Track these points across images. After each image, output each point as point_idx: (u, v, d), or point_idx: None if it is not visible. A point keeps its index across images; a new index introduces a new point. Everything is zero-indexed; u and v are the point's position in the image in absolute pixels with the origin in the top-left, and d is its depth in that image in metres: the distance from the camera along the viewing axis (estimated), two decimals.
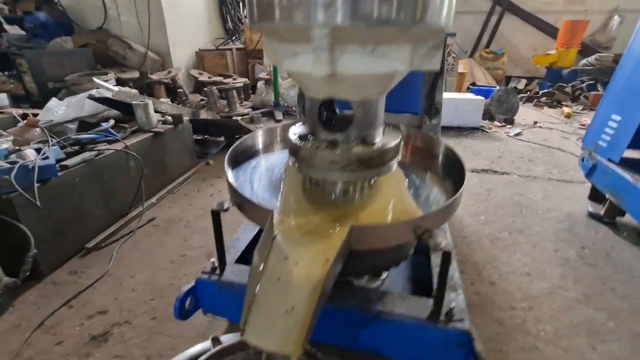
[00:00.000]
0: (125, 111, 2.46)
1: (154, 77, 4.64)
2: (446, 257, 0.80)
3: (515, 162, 3.01)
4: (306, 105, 0.93)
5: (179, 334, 1.27)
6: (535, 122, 4.25)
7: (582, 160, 2.20)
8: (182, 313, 1.03)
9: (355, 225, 0.75)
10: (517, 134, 3.80)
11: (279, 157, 1.27)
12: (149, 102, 2.23)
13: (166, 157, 2.40)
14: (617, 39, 6.28)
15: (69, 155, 1.76)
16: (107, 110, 2.47)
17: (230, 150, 1.09)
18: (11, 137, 1.63)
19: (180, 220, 2.04)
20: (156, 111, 2.44)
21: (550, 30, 6.62)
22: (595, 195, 2.13)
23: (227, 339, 0.78)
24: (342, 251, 0.74)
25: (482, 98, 3.93)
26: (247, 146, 1.24)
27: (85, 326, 1.32)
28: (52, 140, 1.75)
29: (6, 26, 4.75)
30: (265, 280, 0.69)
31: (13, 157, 1.46)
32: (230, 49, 5.69)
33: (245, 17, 6.20)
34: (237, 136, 3.39)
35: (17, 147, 1.53)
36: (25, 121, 2.16)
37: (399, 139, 0.91)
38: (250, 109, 4.40)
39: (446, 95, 4.01)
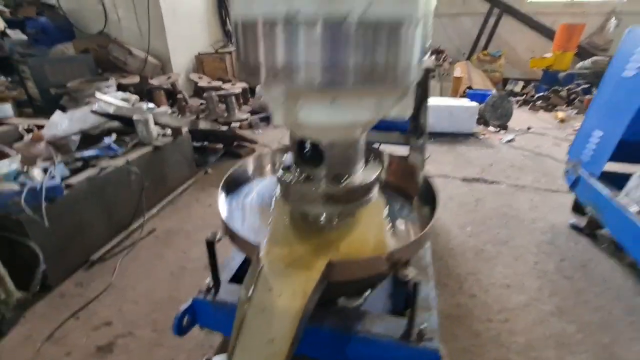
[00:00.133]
0: (127, 123, 2.55)
1: (155, 82, 4.72)
2: (415, 287, 0.90)
3: (505, 171, 3.09)
4: (289, 138, 1.02)
5: (178, 346, 1.37)
6: (529, 128, 4.33)
7: (567, 172, 2.28)
8: (180, 329, 1.13)
9: (332, 261, 0.84)
10: (510, 141, 3.87)
11: (272, 182, 1.36)
12: (149, 117, 2.32)
13: (166, 168, 2.49)
14: (614, 41, 6.30)
15: (73, 172, 1.85)
16: (109, 121, 2.56)
17: (223, 179, 1.18)
18: (19, 156, 1.72)
19: (179, 231, 2.14)
20: (156, 123, 2.53)
21: (547, 33, 6.65)
22: (578, 207, 2.22)
23: None
24: (320, 284, 0.83)
25: (476, 104, 4.00)
26: (241, 173, 1.33)
27: (91, 337, 1.42)
28: (56, 157, 1.84)
29: (8, 30, 4.84)
30: (251, 311, 0.79)
31: (22, 177, 1.55)
32: (230, 52, 5.75)
33: None
34: (235, 143, 3.48)
35: (25, 168, 1.62)
36: (30, 135, 2.26)
37: (373, 177, 1.00)
38: (249, 114, 4.48)
39: (441, 102, 4.10)
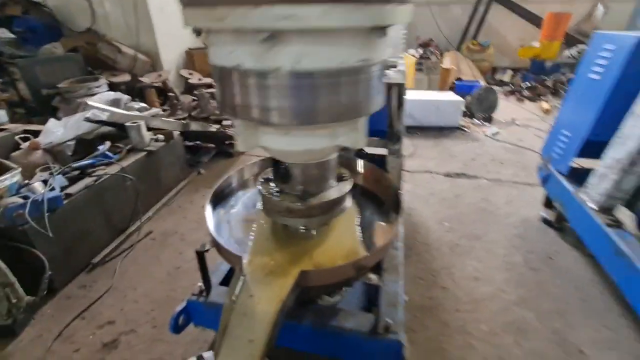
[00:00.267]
0: (121, 127, 2.64)
1: (146, 80, 4.76)
2: (376, 290, 1.04)
3: (487, 165, 3.23)
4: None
5: (177, 340, 1.52)
6: (513, 120, 4.44)
7: (539, 169, 2.42)
8: (176, 328, 1.27)
9: (304, 270, 0.98)
10: (494, 134, 4.00)
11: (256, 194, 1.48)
12: (141, 123, 2.41)
13: (160, 172, 2.60)
14: (601, 28, 6.35)
15: (72, 181, 1.96)
16: (103, 126, 2.65)
17: (211, 193, 1.30)
18: (19, 169, 1.82)
19: (175, 233, 2.27)
20: (149, 128, 2.63)
21: (536, 21, 6.68)
22: (548, 202, 2.37)
23: (208, 357, 1.02)
24: (294, 290, 0.96)
25: (462, 99, 4.10)
26: (228, 185, 1.45)
27: (97, 335, 1.57)
28: (54, 167, 1.95)
29: None
30: (235, 316, 0.93)
31: (24, 190, 1.66)
32: None
33: None
34: (227, 142, 3.57)
35: (25, 181, 1.73)
36: (27, 144, 2.35)
37: (338, 194, 1.12)
38: None
39: (427, 96, 4.19)
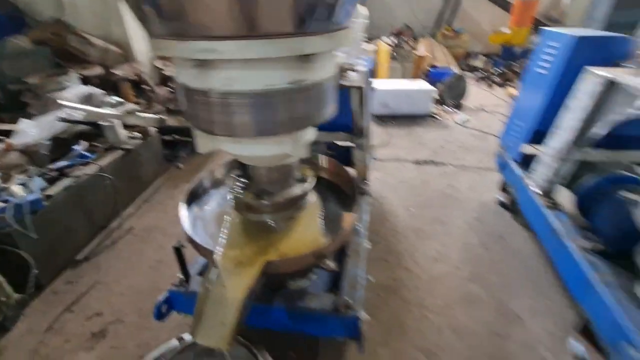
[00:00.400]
0: (96, 125, 2.66)
1: (119, 72, 4.68)
2: (336, 275, 1.20)
3: (454, 152, 3.42)
4: None
5: (162, 327, 1.65)
6: (482, 106, 4.65)
7: (497, 156, 2.63)
8: (160, 315, 1.41)
9: (269, 260, 1.12)
10: (464, 121, 4.19)
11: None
12: (116, 122, 2.45)
13: (138, 168, 2.66)
14: (568, 13, 6.59)
15: (51, 182, 2.02)
16: (78, 125, 2.67)
17: (185, 193, 1.42)
18: None
19: (156, 228, 2.37)
20: (125, 125, 2.67)
21: (507, 7, 6.84)
22: (504, 187, 2.58)
23: (188, 338, 1.16)
24: (260, 278, 1.11)
25: (433, 88, 4.25)
26: (201, 184, 1.56)
27: (85, 326, 1.69)
28: (31, 169, 2.00)
29: None
30: (209, 303, 1.07)
31: (3, 195, 1.72)
32: None
33: None
34: None
35: (3, 184, 1.78)
36: (2, 146, 2.37)
37: (302, 191, 1.26)
38: None
39: (400, 86, 4.33)
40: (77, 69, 4.52)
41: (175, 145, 3.47)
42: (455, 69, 5.78)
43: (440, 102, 4.62)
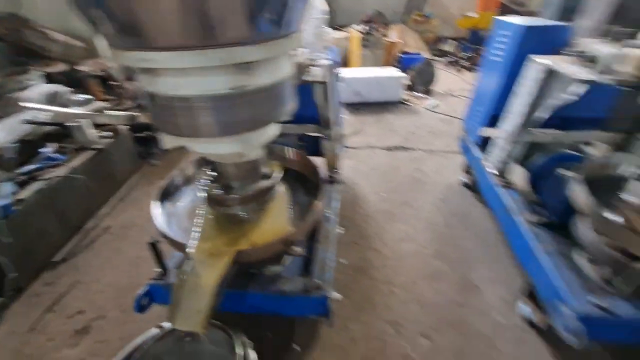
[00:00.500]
0: (63, 126, 2.63)
1: (85, 69, 4.53)
2: (307, 260, 1.30)
3: (423, 137, 3.57)
4: None
5: (144, 319, 1.72)
6: (451, 91, 4.82)
7: (460, 140, 2.78)
8: (140, 308, 1.48)
9: (239, 250, 1.21)
10: (434, 106, 4.34)
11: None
12: (84, 122, 2.43)
13: (111, 167, 2.66)
14: None
15: (22, 185, 2.01)
16: (45, 126, 2.62)
17: (157, 192, 1.48)
18: None
19: (133, 225, 2.40)
20: (95, 125, 2.64)
21: None
22: (467, 169, 2.75)
23: (167, 326, 1.25)
24: (231, 267, 1.20)
25: (403, 74, 4.37)
26: (173, 182, 1.62)
27: (68, 324, 1.74)
28: (0, 174, 1.98)
29: None
30: (185, 292, 1.15)
31: None
32: None
33: None
34: None
35: None
36: None
37: (265, 185, 1.35)
38: None
39: (370, 73, 4.41)
40: (40, 66, 4.35)
41: (148, 142, 3.44)
42: (426, 54, 5.91)
43: (411, 88, 4.75)
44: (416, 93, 4.69)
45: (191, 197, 1.62)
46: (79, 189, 2.31)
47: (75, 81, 4.56)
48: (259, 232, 1.38)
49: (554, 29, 2.08)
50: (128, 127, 2.97)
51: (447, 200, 2.59)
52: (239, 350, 1.14)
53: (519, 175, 2.17)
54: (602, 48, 1.53)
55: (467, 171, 2.74)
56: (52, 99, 3.08)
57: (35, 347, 1.64)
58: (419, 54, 5.72)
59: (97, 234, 2.31)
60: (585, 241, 1.53)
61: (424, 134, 3.66)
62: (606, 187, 1.59)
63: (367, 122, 3.92)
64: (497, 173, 2.15)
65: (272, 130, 1.20)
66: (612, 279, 1.42)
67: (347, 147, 3.22)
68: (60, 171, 2.19)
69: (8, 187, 1.90)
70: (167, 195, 1.59)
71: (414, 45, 6.30)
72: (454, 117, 3.99)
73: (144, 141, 3.43)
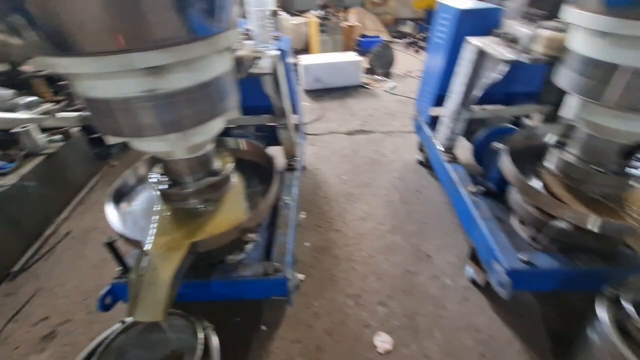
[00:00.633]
0: (9, 133, 2.51)
1: (29, 68, 4.25)
2: (267, 249, 1.38)
3: (382, 119, 3.70)
4: None
5: (111, 318, 1.74)
6: (409, 72, 4.96)
7: (413, 120, 2.92)
8: (104, 307, 1.51)
9: (194, 241, 1.27)
10: (392, 88, 4.47)
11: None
12: (30, 127, 2.34)
13: (65, 171, 2.59)
14: None
15: None
16: None
17: (109, 193, 1.49)
18: None
19: (95, 228, 2.38)
20: (43, 129, 2.54)
21: None
22: (421, 147, 2.91)
23: (129, 320, 1.30)
24: (187, 258, 1.26)
25: (361, 58, 4.44)
26: (126, 182, 1.63)
27: (33, 332, 1.74)
28: None
29: None
30: (144, 285, 1.20)
31: None
32: None
33: None
34: None
35: None
36: None
37: (218, 177, 1.40)
38: None
39: (329, 59, 4.45)
40: None
41: (104, 143, 3.34)
42: (385, 37, 6.01)
43: (371, 71, 4.85)
44: (376, 76, 4.79)
45: (147, 195, 1.64)
46: (31, 196, 2.24)
47: (19, 83, 4.29)
48: (215, 223, 1.44)
49: (488, 12, 2.21)
50: (81, 128, 2.87)
51: (404, 178, 2.74)
52: (200, 334, 1.22)
53: (466, 150, 2.34)
54: (522, 29, 1.67)
55: (421, 149, 2.90)
56: None
57: (0, 357, 1.63)
58: (378, 36, 5.80)
59: (57, 240, 2.27)
60: (515, 205, 1.71)
61: (382, 116, 3.78)
62: (532, 155, 1.77)
63: (329, 108, 3.99)
64: (444, 149, 2.30)
65: (210, 127, 1.23)
66: (536, 236, 1.60)
67: (308, 134, 3.28)
68: (9, 179, 2.12)
69: None
70: (121, 195, 1.60)
71: (373, 28, 6.37)
72: (411, 97, 4.13)
73: (100, 142, 3.33)
